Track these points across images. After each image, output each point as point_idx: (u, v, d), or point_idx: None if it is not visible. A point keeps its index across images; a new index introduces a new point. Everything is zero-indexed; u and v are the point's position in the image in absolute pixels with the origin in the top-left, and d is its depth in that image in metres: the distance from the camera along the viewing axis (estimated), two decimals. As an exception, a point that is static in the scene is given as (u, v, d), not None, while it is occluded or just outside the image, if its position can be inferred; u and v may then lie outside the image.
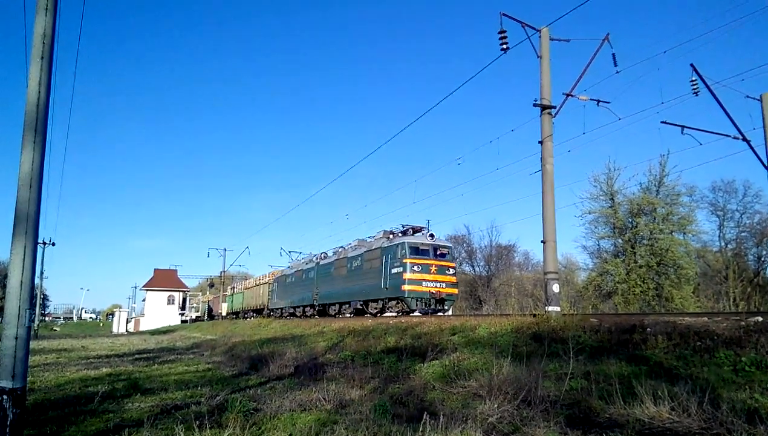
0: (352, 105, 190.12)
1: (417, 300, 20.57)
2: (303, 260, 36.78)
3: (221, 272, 62.23)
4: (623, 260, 37.22)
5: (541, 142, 13.74)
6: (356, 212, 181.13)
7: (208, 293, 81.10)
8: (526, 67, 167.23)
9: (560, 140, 21.64)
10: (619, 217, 38.01)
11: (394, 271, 21.44)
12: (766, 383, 6.53)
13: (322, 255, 31.78)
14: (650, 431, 5.80)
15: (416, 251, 21.17)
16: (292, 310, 35.40)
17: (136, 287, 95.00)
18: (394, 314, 21.60)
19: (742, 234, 40.89)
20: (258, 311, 45.37)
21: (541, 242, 13.39)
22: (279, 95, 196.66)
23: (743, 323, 8.34)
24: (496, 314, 19.73)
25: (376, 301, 23.38)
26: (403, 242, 21.41)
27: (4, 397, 5.12)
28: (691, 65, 16.49)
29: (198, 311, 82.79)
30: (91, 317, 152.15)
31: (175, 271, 79.81)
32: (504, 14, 13.74)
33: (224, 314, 60.57)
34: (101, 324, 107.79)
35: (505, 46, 13.81)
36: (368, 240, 26.65)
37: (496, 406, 6.93)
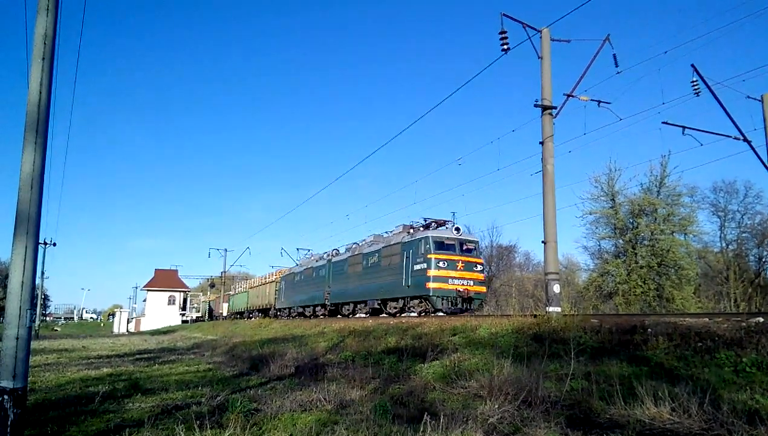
0: (353, 105, 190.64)
1: (442, 299, 19.14)
2: (313, 257, 34.80)
3: (222, 273, 62.28)
4: (624, 261, 37.19)
5: (541, 143, 13.75)
6: (357, 212, 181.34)
7: (209, 293, 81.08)
8: (527, 68, 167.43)
9: (561, 141, 21.63)
10: (620, 217, 37.96)
11: (416, 267, 19.98)
12: (767, 384, 6.52)
13: (334, 252, 29.97)
14: (651, 431, 5.80)
15: (441, 245, 19.69)
16: (301, 309, 33.40)
17: (136, 288, 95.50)
18: (416, 314, 20.27)
19: (743, 235, 40.85)
20: (264, 311, 43.76)
21: (542, 242, 13.40)
22: (279, 95, 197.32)
23: (744, 323, 8.32)
24: (497, 314, 19.66)
25: (395, 300, 21.86)
26: (427, 236, 19.92)
27: (5, 397, 5.13)
28: (692, 66, 16.57)
29: (199, 312, 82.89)
30: (91, 318, 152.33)
31: (176, 271, 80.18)
32: (505, 15, 13.76)
33: (225, 314, 60.49)
34: (102, 324, 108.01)
35: (505, 47, 13.82)
36: (385, 235, 25.08)
37: (496, 406, 6.92)
